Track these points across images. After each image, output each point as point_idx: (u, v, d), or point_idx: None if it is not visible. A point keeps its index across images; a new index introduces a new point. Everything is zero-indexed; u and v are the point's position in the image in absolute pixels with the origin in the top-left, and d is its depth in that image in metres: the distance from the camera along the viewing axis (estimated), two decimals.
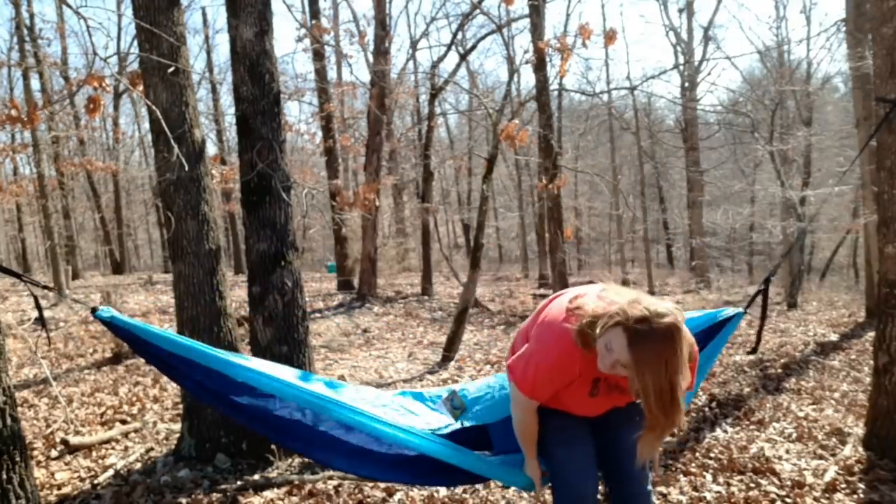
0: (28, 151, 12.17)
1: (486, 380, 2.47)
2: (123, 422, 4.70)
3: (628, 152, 21.46)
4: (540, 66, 9.19)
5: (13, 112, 4.63)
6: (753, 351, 2.58)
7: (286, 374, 2.22)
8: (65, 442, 4.11)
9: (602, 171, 18.89)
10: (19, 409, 2.92)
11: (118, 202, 20.93)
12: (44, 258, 20.46)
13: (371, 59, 12.24)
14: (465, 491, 3.27)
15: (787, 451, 3.71)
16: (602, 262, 24.92)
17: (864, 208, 8.49)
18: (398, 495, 3.24)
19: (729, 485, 3.26)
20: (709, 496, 3.12)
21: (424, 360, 7.00)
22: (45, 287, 2.13)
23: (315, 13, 13.02)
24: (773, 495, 3.11)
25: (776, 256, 17.88)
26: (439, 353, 6.99)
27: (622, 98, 18.94)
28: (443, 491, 3.27)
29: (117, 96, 18.78)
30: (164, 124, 3.46)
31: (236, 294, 10.13)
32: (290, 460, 3.76)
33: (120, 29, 18.91)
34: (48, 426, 4.64)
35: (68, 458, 3.97)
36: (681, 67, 17.21)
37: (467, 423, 2.30)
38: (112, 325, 2.07)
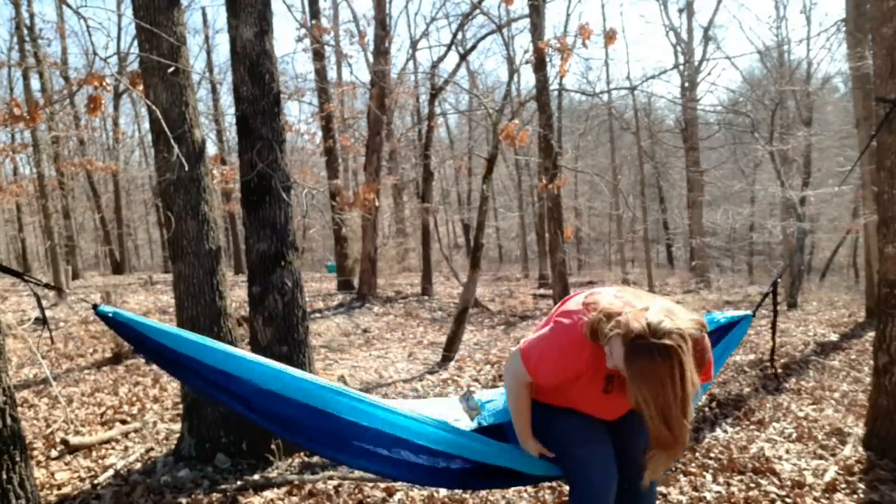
0: (28, 151, 12.17)
1: (497, 389, 2.49)
2: (123, 422, 4.70)
3: (628, 152, 21.45)
4: (540, 66, 9.18)
5: (15, 111, 4.63)
6: (771, 364, 2.58)
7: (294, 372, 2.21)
8: (65, 442, 4.11)
9: (602, 171, 18.88)
10: (19, 409, 2.92)
11: (118, 202, 20.92)
12: (44, 258, 20.44)
13: (371, 59, 12.24)
14: (464, 491, 3.26)
15: (787, 451, 3.71)
16: (602, 262, 24.92)
17: (864, 208, 8.49)
18: (398, 495, 3.24)
19: (729, 485, 3.26)
20: (709, 496, 3.12)
21: (424, 360, 7.00)
22: (46, 286, 2.13)
23: (315, 13, 13.02)
24: (773, 495, 3.11)
25: (776, 256, 17.90)
26: (439, 353, 6.99)
27: (622, 98, 18.94)
28: (443, 491, 3.27)
29: (117, 96, 18.77)
30: (164, 124, 3.47)
31: (236, 294, 10.12)
32: (290, 460, 3.76)
33: (120, 29, 18.93)
34: (48, 426, 4.64)
35: (68, 458, 3.97)
36: (681, 67, 17.21)
37: (484, 423, 2.32)
38: (114, 322, 2.05)
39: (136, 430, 4.46)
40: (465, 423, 2.28)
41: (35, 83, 13.65)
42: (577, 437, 2.07)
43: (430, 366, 6.69)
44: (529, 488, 3.28)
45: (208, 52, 19.53)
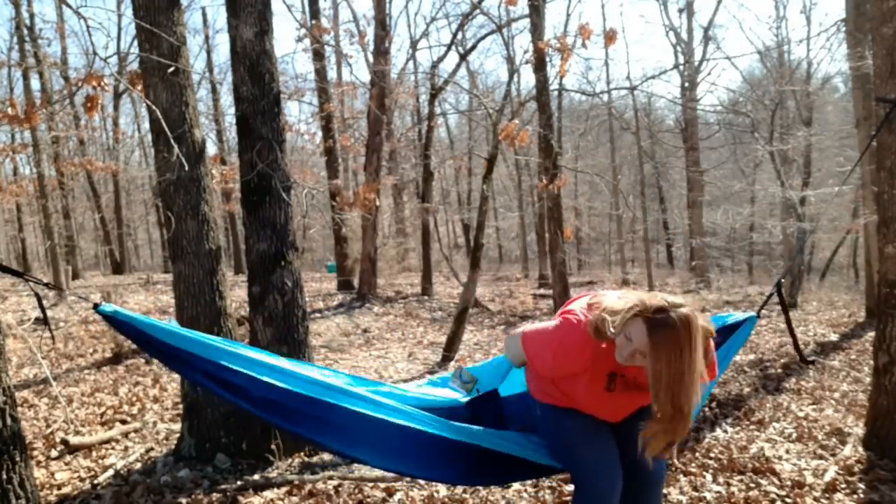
0: (28, 151, 12.16)
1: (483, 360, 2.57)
2: (123, 422, 4.70)
3: (628, 152, 21.45)
4: (540, 66, 9.18)
5: (10, 111, 4.63)
6: (803, 360, 2.60)
7: (299, 368, 2.22)
8: (65, 442, 4.11)
9: (602, 171, 18.88)
10: (19, 409, 2.92)
11: (118, 202, 20.93)
12: (44, 258, 20.44)
13: (371, 59, 12.24)
14: (464, 491, 3.27)
15: (787, 451, 3.71)
16: (602, 262, 24.92)
17: (864, 208, 8.49)
18: (398, 495, 3.24)
19: (729, 485, 3.26)
20: (709, 496, 3.12)
21: (424, 360, 7.00)
22: (47, 285, 2.13)
23: (315, 13, 13.02)
24: (773, 495, 3.11)
25: (776, 256, 17.90)
26: (439, 353, 6.99)
27: (622, 98, 18.93)
28: (443, 490, 3.27)
29: (117, 96, 18.78)
30: (164, 124, 3.46)
31: (236, 294, 10.12)
32: (290, 460, 3.76)
33: (120, 29, 18.93)
34: (48, 426, 4.64)
35: (68, 458, 3.97)
36: (681, 67, 17.21)
37: (482, 391, 2.40)
38: (114, 321, 2.06)
39: (136, 430, 4.46)
40: (463, 397, 2.38)
41: (35, 83, 13.67)
42: (582, 437, 2.07)
43: (430, 366, 6.69)
44: (529, 488, 3.29)
45: (208, 52, 19.54)
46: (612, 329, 1.79)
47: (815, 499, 3.07)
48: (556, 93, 15.01)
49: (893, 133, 3.33)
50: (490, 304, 11.80)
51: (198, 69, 20.03)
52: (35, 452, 4.05)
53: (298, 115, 29.88)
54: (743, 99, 17.64)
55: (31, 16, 12.97)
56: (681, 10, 17.67)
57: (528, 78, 27.10)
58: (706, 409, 4.61)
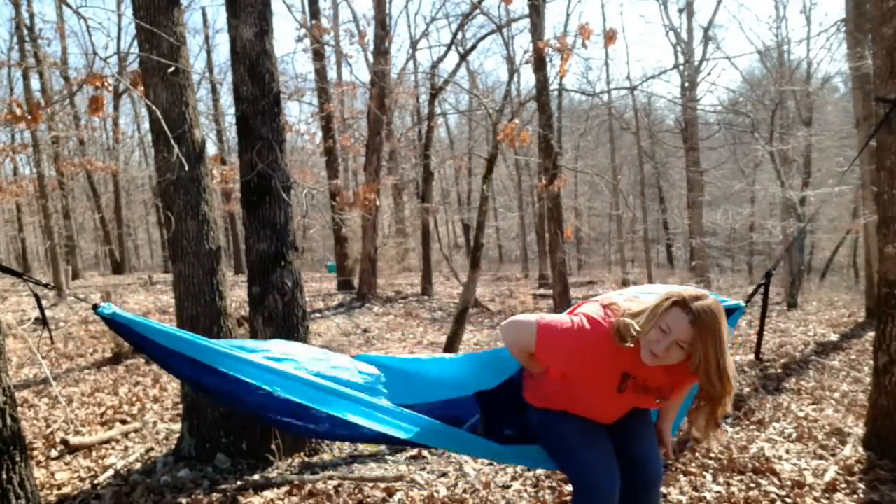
0: (28, 151, 12.17)
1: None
2: (123, 422, 4.71)
3: (628, 152, 21.46)
4: (540, 66, 9.18)
5: (17, 111, 4.63)
6: (757, 356, 2.59)
7: (290, 367, 2.21)
8: (65, 442, 4.11)
9: (602, 171, 18.88)
10: (19, 409, 2.92)
11: (118, 202, 20.93)
12: (44, 258, 20.46)
13: (371, 59, 12.25)
14: (464, 491, 3.27)
15: (787, 451, 3.71)
16: (602, 262, 24.92)
17: (864, 208, 8.49)
18: (398, 495, 3.24)
19: (729, 485, 3.26)
20: (709, 496, 3.12)
21: None
22: (46, 286, 2.13)
23: (315, 13, 13.03)
24: (773, 495, 3.11)
25: (776, 256, 17.88)
26: (439, 354, 6.98)
27: (622, 98, 18.94)
28: (443, 491, 3.27)
29: (117, 96, 18.77)
30: (164, 124, 3.46)
31: (236, 294, 10.12)
32: (290, 460, 3.76)
33: (120, 29, 18.93)
34: (48, 426, 4.64)
35: (68, 458, 3.97)
36: (681, 67, 17.20)
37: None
38: (113, 322, 2.03)
39: (136, 430, 4.46)
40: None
41: (35, 83, 13.67)
42: (580, 440, 2.07)
43: None
44: (529, 488, 3.29)
45: (208, 52, 19.56)
46: (637, 328, 1.81)
47: (815, 499, 3.07)
48: (556, 93, 15.01)
49: (893, 133, 3.33)
50: (490, 304, 11.80)
51: (198, 69, 20.04)
52: (35, 452, 4.05)
53: (298, 115, 29.90)
54: (743, 99, 17.63)
55: (31, 16, 12.98)
56: (681, 10, 17.67)
57: (528, 78, 27.13)
58: None
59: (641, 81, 20.07)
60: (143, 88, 3.78)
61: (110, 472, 3.67)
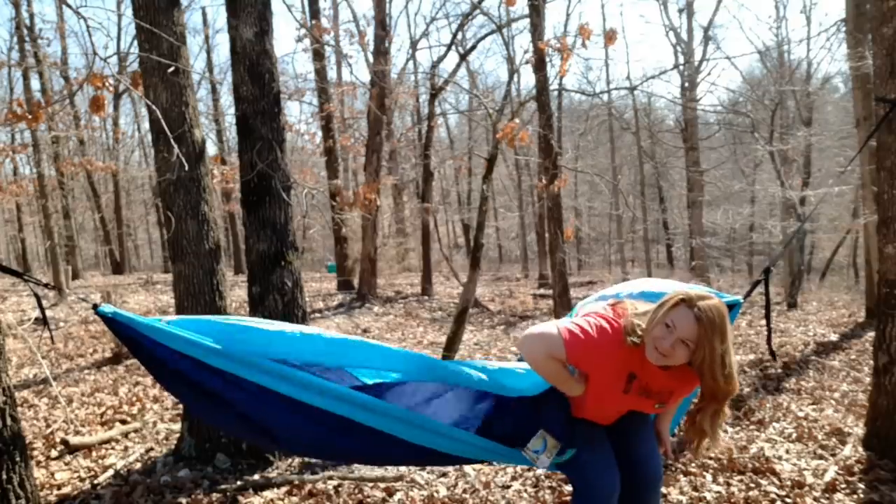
0: (28, 151, 12.17)
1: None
2: (123, 422, 4.70)
3: (628, 152, 21.46)
4: (540, 66, 9.17)
5: (17, 110, 4.62)
6: (772, 355, 2.57)
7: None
8: (65, 442, 4.11)
9: (602, 171, 18.88)
10: (19, 409, 2.92)
11: (118, 202, 20.93)
12: (44, 258, 20.46)
13: (371, 59, 12.25)
14: (464, 491, 3.27)
15: (787, 451, 3.71)
16: (602, 262, 24.92)
17: (864, 208, 8.49)
18: (398, 495, 3.24)
19: (729, 485, 3.26)
20: (709, 496, 3.12)
21: None
22: (46, 286, 2.12)
23: (315, 13, 13.02)
24: (773, 495, 3.11)
25: (775, 255, 17.86)
26: (439, 354, 6.98)
27: (622, 98, 18.97)
28: (443, 491, 3.28)
29: (117, 96, 18.79)
30: (164, 124, 3.46)
31: (236, 294, 10.13)
32: (290, 460, 3.76)
33: (120, 29, 18.96)
34: (48, 426, 4.64)
35: (68, 458, 3.97)
36: (681, 67, 17.21)
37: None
38: (114, 323, 1.97)
39: (136, 430, 4.46)
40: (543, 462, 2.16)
41: (35, 83, 13.67)
42: (580, 440, 2.07)
43: None
44: (529, 488, 3.29)
45: (208, 52, 19.59)
46: (642, 326, 1.82)
47: (815, 499, 3.07)
48: (556, 93, 15.02)
49: (893, 133, 3.33)
50: (490, 304, 11.79)
51: (198, 69, 20.05)
52: (35, 452, 4.05)
53: (298, 115, 29.87)
54: (743, 99, 17.64)
55: (31, 16, 12.98)
56: (681, 11, 17.69)
57: (528, 78, 27.12)
58: None
59: (641, 81, 20.05)
60: (143, 88, 3.78)
61: (110, 472, 3.67)
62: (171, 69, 3.61)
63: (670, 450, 2.29)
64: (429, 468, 3.53)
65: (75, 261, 18.25)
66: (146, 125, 21.60)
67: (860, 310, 8.75)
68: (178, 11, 3.76)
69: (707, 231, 17.39)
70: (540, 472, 3.39)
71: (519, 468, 3.48)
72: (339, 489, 3.34)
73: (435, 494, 3.23)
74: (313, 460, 3.79)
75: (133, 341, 2.02)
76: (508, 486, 3.31)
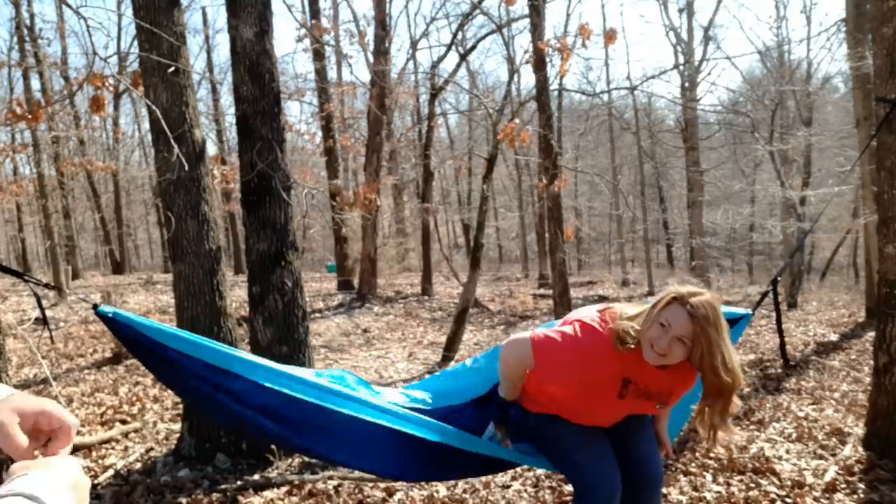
0: (28, 151, 12.17)
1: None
2: (123, 422, 4.70)
3: (628, 152, 21.43)
4: (540, 66, 9.17)
5: (17, 110, 4.63)
6: (786, 363, 2.59)
7: (300, 373, 2.17)
8: None
9: (602, 171, 18.86)
10: None
11: (118, 202, 20.93)
12: (44, 258, 20.45)
13: (371, 59, 12.25)
14: (464, 491, 3.27)
15: (787, 451, 3.71)
16: (602, 262, 24.90)
17: (864, 208, 8.49)
18: (398, 495, 3.24)
19: (729, 485, 3.26)
20: (709, 496, 3.12)
21: (424, 360, 7.00)
22: (46, 286, 2.12)
23: (315, 13, 13.03)
24: (773, 495, 3.11)
25: (776, 256, 17.89)
26: (439, 353, 6.98)
27: (622, 98, 18.94)
28: (443, 491, 3.27)
29: (117, 96, 18.78)
30: (164, 124, 3.46)
31: (236, 294, 10.12)
32: (290, 460, 3.76)
33: (120, 29, 18.97)
34: None
35: None
36: (681, 67, 17.21)
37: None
38: (113, 323, 1.99)
39: (136, 430, 4.46)
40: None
41: (35, 83, 13.67)
42: (579, 442, 2.06)
43: (430, 366, 6.69)
44: (529, 488, 3.29)
45: (208, 52, 19.58)
46: (636, 328, 1.81)
47: (815, 499, 3.07)
48: (556, 93, 15.01)
49: (893, 133, 3.33)
50: (490, 304, 11.79)
51: (198, 69, 20.04)
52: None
53: (298, 115, 29.86)
54: (743, 99, 17.64)
55: (31, 16, 12.98)
56: (681, 10, 17.69)
57: (528, 78, 27.08)
58: None
59: (641, 81, 19.97)
60: (143, 88, 3.78)
61: (110, 472, 3.67)
62: (172, 69, 3.61)
63: (671, 450, 2.29)
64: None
65: (75, 261, 18.25)
66: (146, 125, 21.61)
67: (860, 310, 8.75)
68: (178, 11, 3.76)
69: (707, 231, 17.39)
70: (540, 471, 3.39)
71: (519, 469, 3.47)
72: (339, 489, 3.34)
73: (435, 494, 3.23)
74: (313, 460, 3.79)
75: (133, 341, 2.04)
76: (508, 486, 3.31)
